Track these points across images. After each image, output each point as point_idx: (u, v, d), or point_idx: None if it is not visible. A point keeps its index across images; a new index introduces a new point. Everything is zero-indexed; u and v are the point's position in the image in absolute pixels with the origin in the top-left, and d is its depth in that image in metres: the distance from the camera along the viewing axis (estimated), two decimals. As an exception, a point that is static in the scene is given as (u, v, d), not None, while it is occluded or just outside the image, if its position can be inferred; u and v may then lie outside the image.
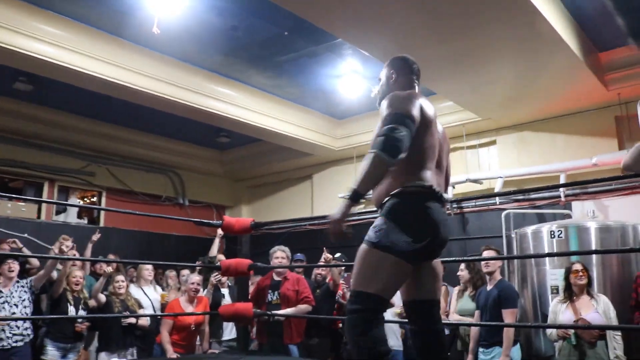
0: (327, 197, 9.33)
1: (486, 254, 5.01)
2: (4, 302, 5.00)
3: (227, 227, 4.77)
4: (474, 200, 7.57)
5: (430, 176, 2.48)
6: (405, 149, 2.32)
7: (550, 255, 5.60)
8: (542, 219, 6.99)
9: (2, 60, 5.94)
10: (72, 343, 5.35)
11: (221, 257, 5.78)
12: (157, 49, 6.54)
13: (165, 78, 6.76)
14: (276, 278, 5.44)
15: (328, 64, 6.84)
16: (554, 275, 5.41)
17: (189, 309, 5.36)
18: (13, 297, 5.07)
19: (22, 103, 7.79)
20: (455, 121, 7.71)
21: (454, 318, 5.35)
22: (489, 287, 4.88)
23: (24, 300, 5.11)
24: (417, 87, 2.75)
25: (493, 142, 7.97)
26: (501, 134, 7.86)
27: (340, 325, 5.87)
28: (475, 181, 7.64)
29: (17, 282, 5.21)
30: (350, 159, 9.06)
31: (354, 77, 6.93)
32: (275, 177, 10.48)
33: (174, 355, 5.00)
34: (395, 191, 2.44)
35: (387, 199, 2.45)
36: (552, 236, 5.59)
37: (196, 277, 5.51)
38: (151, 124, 8.65)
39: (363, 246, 2.38)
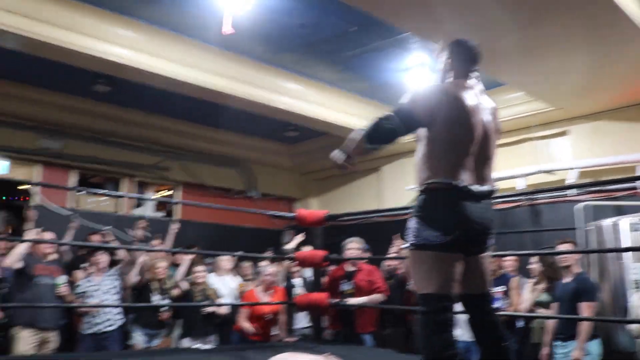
0: (395, 189, 9.34)
1: (562, 248, 4.90)
2: (96, 290, 5.35)
3: (300, 220, 4.91)
4: (546, 192, 7.40)
5: (459, 171, 2.49)
6: (390, 142, 2.62)
7: (631, 249, 5.42)
8: (619, 211, 6.78)
9: (83, 64, 6.30)
10: (157, 330, 5.66)
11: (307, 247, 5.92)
12: (228, 48, 6.74)
13: (236, 76, 6.98)
14: (350, 268, 5.55)
15: (394, 57, 6.87)
16: (634, 269, 5.28)
17: (265, 299, 5.54)
18: (104, 285, 5.41)
19: (101, 104, 8.21)
20: (526, 112, 7.58)
21: (525, 310, 5.27)
22: (566, 280, 4.80)
23: (113, 288, 5.45)
24: (470, 76, 2.71)
25: (565, 133, 7.78)
26: (574, 124, 7.65)
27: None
28: (548, 172, 7.49)
29: (107, 272, 5.56)
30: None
31: (420, 70, 6.93)
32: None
33: (253, 330, 5.20)
34: (422, 187, 2.54)
35: (417, 195, 2.57)
36: (634, 229, 5.43)
37: (272, 268, 5.69)
38: (223, 120, 8.91)
39: (408, 251, 2.49)
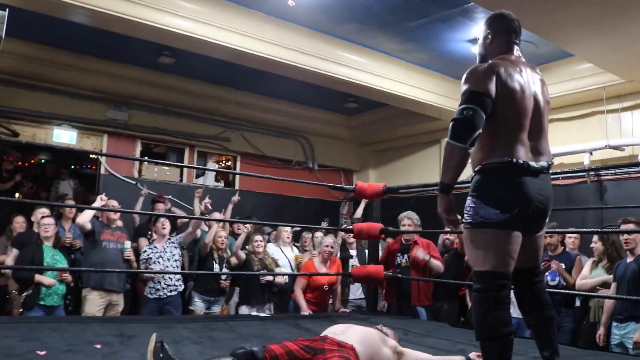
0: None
1: (625, 227, 4.68)
2: (158, 257, 5.54)
3: (359, 192, 4.93)
4: (614, 169, 7.11)
5: (515, 148, 2.45)
6: (476, 128, 2.36)
7: None
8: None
9: (149, 36, 6.43)
10: (216, 297, 5.84)
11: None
12: (290, 19, 6.76)
13: (297, 47, 6.98)
14: (406, 242, 5.55)
15: (459, 28, 6.71)
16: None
17: (323, 269, 5.61)
18: (166, 252, 5.60)
19: (166, 75, 8.43)
20: (595, 84, 7.27)
21: (584, 288, 5.12)
22: (628, 260, 4.64)
23: (174, 255, 5.63)
24: (515, 48, 2.67)
25: (636, 107, 7.42)
26: (646, 97, 7.30)
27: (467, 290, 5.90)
28: (617, 148, 7.19)
29: (169, 239, 5.75)
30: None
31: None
32: (401, 141, 10.47)
33: (307, 312, 5.30)
34: (477, 168, 2.50)
35: (472, 175, 2.52)
36: None
37: (330, 240, 5.74)
38: (282, 91, 8.98)
39: (464, 230, 2.47)
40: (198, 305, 5.73)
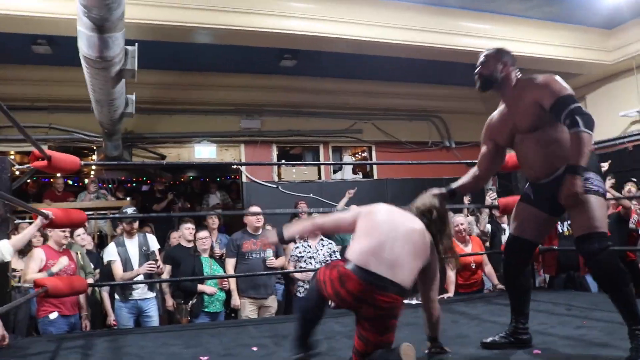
0: (605, 117, 8.39)
1: None
2: (310, 257, 5.59)
3: (501, 164, 4.63)
4: None
5: None
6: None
7: None
8: None
9: (268, 43, 6.64)
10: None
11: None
12: (404, -1, 6.58)
13: (417, 26, 6.81)
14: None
15: (588, -30, 6.13)
16: None
17: (464, 249, 5.38)
18: (318, 253, 5.62)
19: (290, 77, 8.60)
20: None
21: None
22: None
23: (327, 259, 5.64)
24: None
25: None
26: None
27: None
28: None
29: (321, 240, 5.75)
30: (629, 71, 8.04)
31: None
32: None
33: (450, 294, 5.11)
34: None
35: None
36: None
37: (460, 218, 5.48)
38: (408, 73, 8.77)
39: (591, 195, 2.62)
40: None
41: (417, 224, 2.62)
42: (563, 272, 5.20)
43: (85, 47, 4.13)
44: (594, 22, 7.54)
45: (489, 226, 6.50)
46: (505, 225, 6.25)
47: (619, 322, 3.24)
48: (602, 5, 6.81)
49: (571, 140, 2.61)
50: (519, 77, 2.98)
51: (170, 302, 5.45)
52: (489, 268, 5.49)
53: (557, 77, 2.79)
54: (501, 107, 3.07)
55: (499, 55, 3.00)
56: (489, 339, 2.92)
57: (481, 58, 3.06)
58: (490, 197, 6.72)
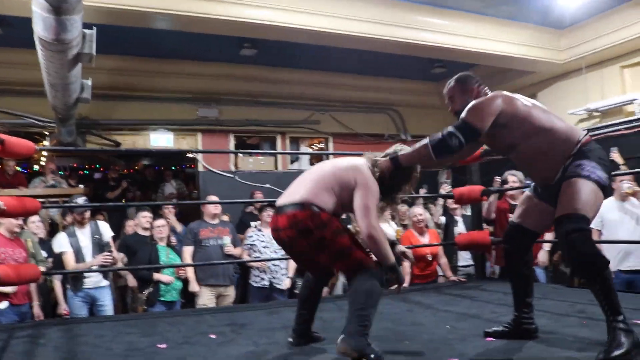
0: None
1: None
2: (264, 246, 5.63)
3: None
4: None
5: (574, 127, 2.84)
6: (451, 157, 2.85)
7: None
8: None
9: (228, 31, 6.57)
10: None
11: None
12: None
13: (376, 19, 6.84)
14: (512, 202, 5.31)
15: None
16: None
17: (421, 240, 5.49)
18: (273, 243, 5.65)
19: (249, 66, 8.54)
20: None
21: None
22: None
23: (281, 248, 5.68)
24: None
25: None
26: None
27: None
28: None
29: None
30: (578, 71, 8.29)
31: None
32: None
33: (405, 285, 5.20)
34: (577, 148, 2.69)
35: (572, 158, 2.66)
36: None
37: (418, 209, 5.59)
38: (367, 66, 8.84)
39: (579, 179, 2.58)
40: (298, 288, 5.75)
41: (345, 163, 2.80)
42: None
43: (40, 29, 4.01)
44: (548, 22, 7.75)
45: (442, 218, 6.63)
46: (458, 218, 6.36)
47: (563, 313, 3.42)
48: (555, 6, 7.01)
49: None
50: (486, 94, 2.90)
51: (132, 282, 5.35)
52: (444, 260, 5.62)
53: (476, 103, 2.73)
54: None
55: (461, 85, 2.94)
56: (492, 329, 2.90)
57: (447, 95, 3.01)
58: (445, 189, 6.86)
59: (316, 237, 2.59)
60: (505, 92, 2.77)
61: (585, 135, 2.73)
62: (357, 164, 2.75)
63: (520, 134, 2.71)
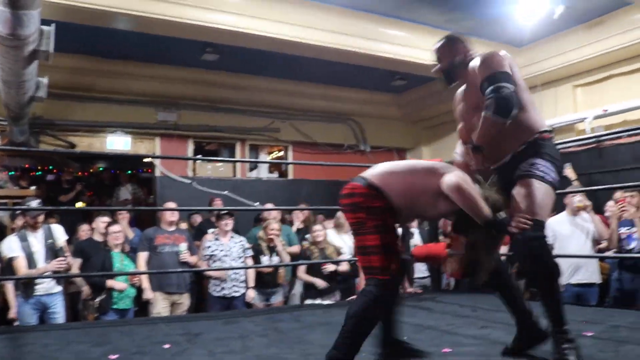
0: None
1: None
2: (224, 255, 5.56)
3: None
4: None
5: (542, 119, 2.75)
6: (516, 107, 2.56)
7: None
8: None
9: (191, 35, 6.51)
10: (273, 289, 5.80)
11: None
12: (329, 1, 6.66)
13: (338, 29, 6.89)
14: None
15: (503, -10, 6.46)
16: None
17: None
18: (232, 251, 5.61)
19: (211, 72, 8.45)
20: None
21: None
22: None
23: (240, 257, 5.65)
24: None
25: None
26: None
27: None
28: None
29: (232, 237, 5.74)
30: (533, 88, 8.49)
31: (533, 1, 6.46)
32: (453, 115, 10.19)
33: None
34: (530, 140, 2.63)
35: (525, 145, 2.62)
36: None
37: None
38: (328, 76, 8.87)
39: (533, 180, 2.52)
40: (255, 299, 5.70)
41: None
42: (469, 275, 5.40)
43: (-5, 22, 3.88)
44: (506, 39, 7.93)
45: (399, 230, 6.67)
46: (414, 229, 6.41)
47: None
48: (514, 24, 7.18)
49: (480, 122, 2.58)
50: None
51: (87, 291, 5.21)
52: (403, 271, 5.64)
53: (500, 53, 2.69)
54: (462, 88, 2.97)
55: (450, 44, 2.90)
56: (511, 345, 2.74)
57: (435, 53, 2.96)
58: None
59: (352, 209, 2.56)
60: (508, 54, 2.71)
61: (547, 131, 2.68)
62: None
63: None
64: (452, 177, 2.41)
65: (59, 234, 5.15)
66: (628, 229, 5.18)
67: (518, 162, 2.61)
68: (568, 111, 8.04)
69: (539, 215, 2.46)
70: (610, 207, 5.61)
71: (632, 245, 5.13)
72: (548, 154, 2.59)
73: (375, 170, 2.62)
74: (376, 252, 2.47)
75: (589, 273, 5.19)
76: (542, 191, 2.50)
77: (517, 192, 2.53)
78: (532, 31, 7.44)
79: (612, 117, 7.43)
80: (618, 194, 5.44)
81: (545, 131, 2.67)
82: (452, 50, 2.87)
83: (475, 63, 2.71)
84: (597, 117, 7.53)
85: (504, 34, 7.74)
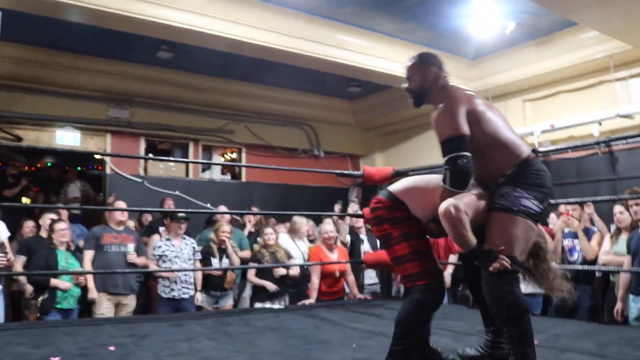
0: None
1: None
2: (175, 256, 5.49)
3: (367, 177, 4.82)
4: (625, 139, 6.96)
5: (521, 145, 2.59)
6: (471, 174, 2.48)
7: None
8: None
9: (146, 31, 6.40)
10: (222, 292, 5.77)
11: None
12: (287, 5, 6.66)
13: (296, 33, 6.90)
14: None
15: (459, 3, 6.58)
16: None
17: (330, 256, 5.54)
18: (183, 253, 5.55)
19: (165, 70, 8.35)
20: (601, 52, 7.12)
21: (605, 261, 5.00)
22: (641, 231, 4.55)
23: (191, 259, 5.60)
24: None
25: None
26: (655, 64, 7.13)
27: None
28: (627, 116, 7.03)
29: (184, 239, 5.68)
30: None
31: (486, 15, 6.63)
32: (407, 123, 10.28)
33: (312, 301, 5.26)
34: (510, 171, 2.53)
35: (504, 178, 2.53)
36: None
37: (329, 227, 5.64)
38: (284, 79, 8.88)
39: (501, 214, 2.44)
40: (203, 302, 5.65)
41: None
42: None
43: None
44: (459, 51, 8.11)
45: (348, 237, 6.71)
46: (363, 236, 6.47)
47: (466, 332, 3.56)
48: (468, 37, 7.36)
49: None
50: (445, 85, 2.72)
51: (30, 289, 5.04)
52: (351, 278, 5.70)
53: (457, 97, 2.59)
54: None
55: (421, 66, 2.76)
56: (468, 352, 2.78)
57: (406, 72, 2.83)
58: (353, 208, 6.97)
59: (376, 222, 2.67)
60: (465, 90, 2.66)
61: (527, 157, 2.54)
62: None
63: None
64: (445, 204, 2.41)
65: (1, 230, 4.97)
66: (571, 241, 5.37)
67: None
68: (518, 124, 8.25)
69: (505, 250, 2.38)
70: (553, 219, 5.81)
71: (575, 257, 5.32)
72: (524, 182, 2.49)
73: (400, 184, 2.74)
74: (409, 259, 2.57)
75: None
76: (508, 225, 2.43)
77: (487, 223, 2.49)
78: (484, 45, 7.65)
79: (559, 132, 7.70)
80: (562, 207, 5.64)
81: (526, 157, 2.54)
82: (422, 73, 2.74)
83: (433, 116, 2.60)
84: (544, 132, 7.78)
85: (458, 47, 7.92)
